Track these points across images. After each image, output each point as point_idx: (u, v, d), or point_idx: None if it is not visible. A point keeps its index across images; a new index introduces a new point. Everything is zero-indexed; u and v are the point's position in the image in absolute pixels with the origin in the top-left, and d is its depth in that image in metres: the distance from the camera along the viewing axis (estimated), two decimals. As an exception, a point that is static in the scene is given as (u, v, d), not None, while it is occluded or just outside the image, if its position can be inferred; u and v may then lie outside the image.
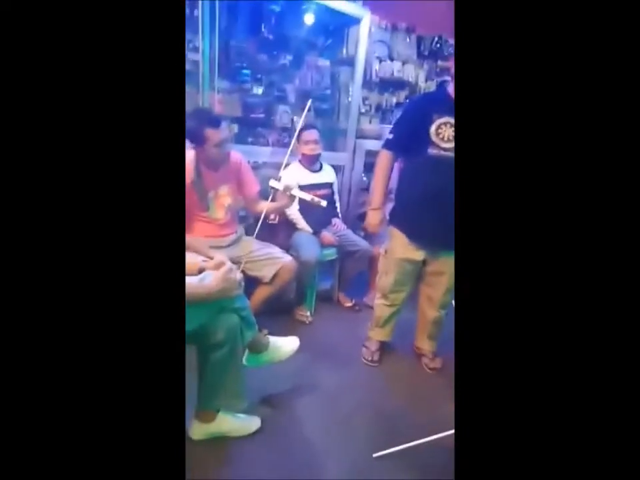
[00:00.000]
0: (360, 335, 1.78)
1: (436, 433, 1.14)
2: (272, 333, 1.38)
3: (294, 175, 1.94)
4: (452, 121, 1.29)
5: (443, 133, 1.30)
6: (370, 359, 1.65)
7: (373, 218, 1.47)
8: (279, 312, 1.96)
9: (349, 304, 2.16)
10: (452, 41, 2.79)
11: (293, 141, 1.45)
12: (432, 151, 1.32)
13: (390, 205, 1.57)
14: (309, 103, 1.39)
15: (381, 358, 1.67)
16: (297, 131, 1.58)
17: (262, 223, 1.33)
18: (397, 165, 1.89)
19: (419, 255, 1.47)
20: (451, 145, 1.29)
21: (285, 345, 1.33)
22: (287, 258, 1.63)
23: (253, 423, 1.22)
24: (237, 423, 1.19)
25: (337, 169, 2.28)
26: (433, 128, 1.31)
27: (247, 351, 1.29)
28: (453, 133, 1.29)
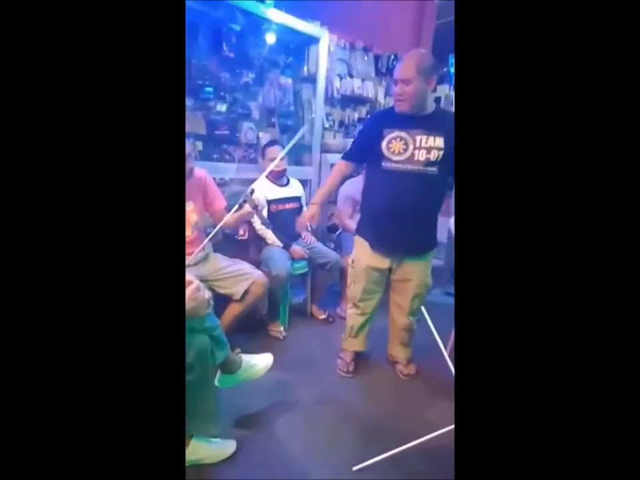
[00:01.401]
0: (335, 346, 1.78)
1: (416, 439, 1.15)
2: (246, 351, 1.35)
3: (262, 190, 1.94)
4: (402, 134, 1.35)
5: (393, 147, 1.36)
6: (345, 370, 1.65)
7: (307, 211, 1.51)
8: (251, 329, 1.93)
9: (322, 316, 2.16)
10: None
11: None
12: (385, 164, 1.38)
13: (357, 217, 1.62)
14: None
15: (356, 368, 1.67)
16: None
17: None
18: (361, 178, 1.95)
19: (384, 262, 1.51)
20: (402, 157, 1.36)
21: (259, 362, 1.31)
22: (258, 273, 1.62)
23: (228, 448, 1.17)
24: (211, 448, 1.14)
25: (304, 182, 2.32)
26: (384, 143, 1.37)
27: (219, 372, 1.25)
28: (404, 147, 1.35)
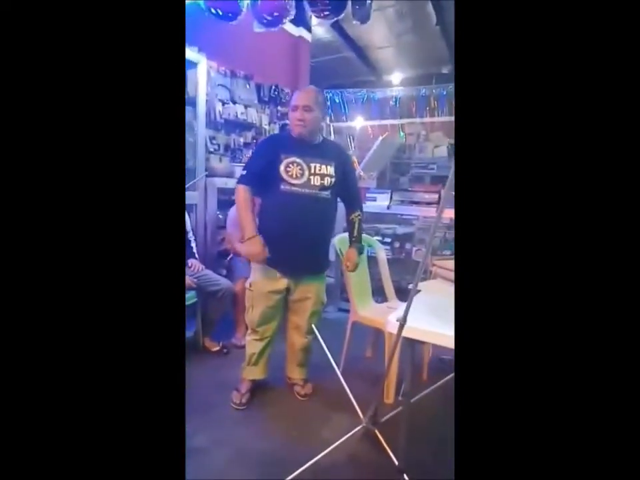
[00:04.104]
0: (232, 379, 1.69)
1: (310, 459, 1.16)
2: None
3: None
4: (298, 160, 1.44)
5: (291, 171, 1.43)
6: (238, 402, 1.57)
7: (254, 246, 1.45)
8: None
9: (216, 348, 2.04)
10: (287, 90, 3.12)
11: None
12: (283, 187, 1.43)
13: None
14: None
15: (251, 398, 1.61)
16: None
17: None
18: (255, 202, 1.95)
19: (282, 283, 1.53)
20: (299, 181, 1.43)
21: None
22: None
23: None
24: None
25: (190, 207, 2.20)
26: (282, 167, 1.43)
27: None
28: (300, 171, 1.44)
